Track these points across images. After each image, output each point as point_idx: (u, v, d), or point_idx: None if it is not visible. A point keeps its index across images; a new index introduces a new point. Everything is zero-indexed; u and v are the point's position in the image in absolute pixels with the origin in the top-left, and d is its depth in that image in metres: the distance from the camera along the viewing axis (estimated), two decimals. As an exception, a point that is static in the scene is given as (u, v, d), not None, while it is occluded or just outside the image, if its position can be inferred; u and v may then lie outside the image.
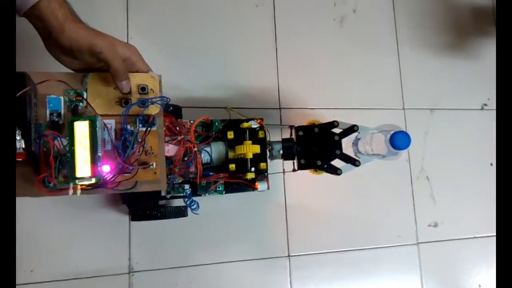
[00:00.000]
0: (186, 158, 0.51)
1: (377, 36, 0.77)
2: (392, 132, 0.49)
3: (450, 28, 0.82)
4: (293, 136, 0.55)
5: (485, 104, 0.81)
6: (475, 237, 0.75)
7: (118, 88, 0.40)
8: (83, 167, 0.37)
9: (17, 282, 0.54)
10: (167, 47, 0.65)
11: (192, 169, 0.52)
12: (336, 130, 0.53)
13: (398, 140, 0.48)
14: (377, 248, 0.70)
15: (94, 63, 0.40)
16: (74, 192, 0.38)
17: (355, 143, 0.55)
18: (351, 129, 0.53)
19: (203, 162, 0.52)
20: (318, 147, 0.53)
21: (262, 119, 0.54)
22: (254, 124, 0.53)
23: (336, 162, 0.53)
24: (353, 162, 0.52)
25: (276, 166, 0.59)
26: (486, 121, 0.80)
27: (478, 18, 0.84)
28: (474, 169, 0.78)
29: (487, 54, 0.82)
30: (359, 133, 0.53)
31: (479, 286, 0.75)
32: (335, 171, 0.52)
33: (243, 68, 0.69)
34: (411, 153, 0.75)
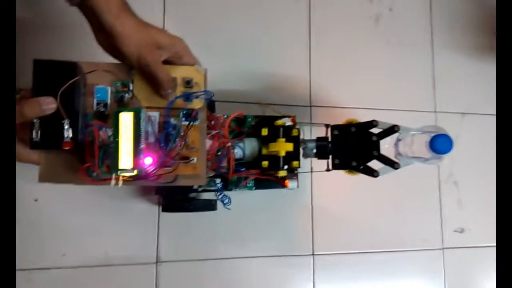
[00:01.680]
0: (219, 153, 0.51)
1: (412, 36, 0.75)
2: (432, 135, 0.47)
3: (489, 32, 0.79)
4: (328, 135, 0.54)
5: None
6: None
7: (163, 96, 0.40)
8: (125, 158, 0.37)
9: (49, 266, 0.55)
10: (199, 39, 0.64)
11: (224, 163, 0.52)
12: (375, 130, 0.51)
13: (439, 144, 0.45)
14: (401, 251, 0.69)
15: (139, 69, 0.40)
16: (116, 183, 0.38)
17: (397, 144, 0.53)
18: (391, 129, 0.49)
19: (236, 157, 0.52)
20: (354, 147, 0.51)
21: (295, 117, 0.54)
22: (288, 122, 0.53)
23: (374, 164, 0.51)
24: (392, 164, 0.49)
25: (303, 164, 0.58)
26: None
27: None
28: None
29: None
30: (400, 133, 0.50)
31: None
32: (372, 173, 0.49)
33: (274, 63, 0.68)
34: (441, 157, 0.74)
